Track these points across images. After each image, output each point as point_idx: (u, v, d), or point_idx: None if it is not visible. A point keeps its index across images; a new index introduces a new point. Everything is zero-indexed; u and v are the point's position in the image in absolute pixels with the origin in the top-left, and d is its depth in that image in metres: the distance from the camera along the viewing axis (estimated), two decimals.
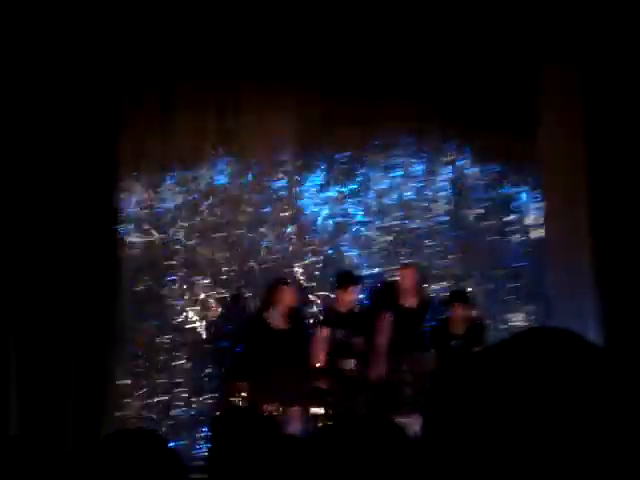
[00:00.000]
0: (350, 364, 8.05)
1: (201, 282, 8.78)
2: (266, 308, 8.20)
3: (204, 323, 8.73)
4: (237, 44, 8.50)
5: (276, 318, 8.13)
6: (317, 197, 9.05)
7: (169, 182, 8.84)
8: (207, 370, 8.67)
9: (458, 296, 8.36)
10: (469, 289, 8.70)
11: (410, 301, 8.32)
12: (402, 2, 8.44)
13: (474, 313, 8.39)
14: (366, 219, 9.07)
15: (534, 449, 1.05)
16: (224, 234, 8.86)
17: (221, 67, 8.65)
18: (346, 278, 8.38)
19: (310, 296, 8.81)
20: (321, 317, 8.46)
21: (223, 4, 8.35)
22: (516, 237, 9.11)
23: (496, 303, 8.99)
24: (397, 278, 8.51)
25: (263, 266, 8.84)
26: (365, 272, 8.86)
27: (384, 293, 8.55)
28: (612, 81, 8.52)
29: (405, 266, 8.58)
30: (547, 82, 8.92)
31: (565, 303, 8.68)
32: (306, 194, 9.04)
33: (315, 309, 8.76)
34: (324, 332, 8.11)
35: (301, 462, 1.95)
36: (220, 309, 8.76)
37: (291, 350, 8.03)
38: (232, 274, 8.82)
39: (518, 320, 8.94)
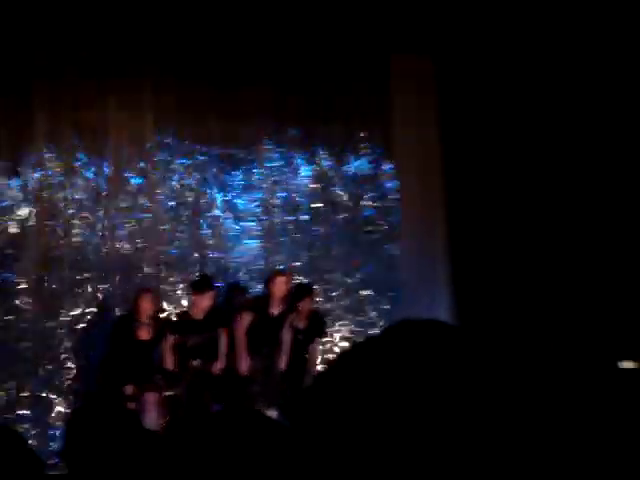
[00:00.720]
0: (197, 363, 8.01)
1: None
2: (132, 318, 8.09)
3: None
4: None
5: (140, 328, 8.04)
6: (175, 191, 8.97)
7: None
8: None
9: (306, 290, 8.47)
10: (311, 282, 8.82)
11: (277, 309, 8.26)
12: None
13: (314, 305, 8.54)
14: (228, 215, 9.04)
15: (415, 433, 1.07)
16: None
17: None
18: (203, 283, 8.27)
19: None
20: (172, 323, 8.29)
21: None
22: (375, 227, 9.25)
23: (350, 293, 9.12)
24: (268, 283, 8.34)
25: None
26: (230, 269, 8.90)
27: (251, 301, 8.47)
28: (464, 68, 8.76)
29: (279, 272, 8.53)
30: (399, 71, 9.07)
31: (419, 291, 8.89)
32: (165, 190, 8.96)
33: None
34: (171, 340, 8.01)
35: (157, 456, 1.93)
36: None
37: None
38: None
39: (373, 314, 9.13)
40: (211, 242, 8.99)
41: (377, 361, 1.13)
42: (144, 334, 8.03)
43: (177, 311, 8.59)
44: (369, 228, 9.23)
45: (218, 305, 8.30)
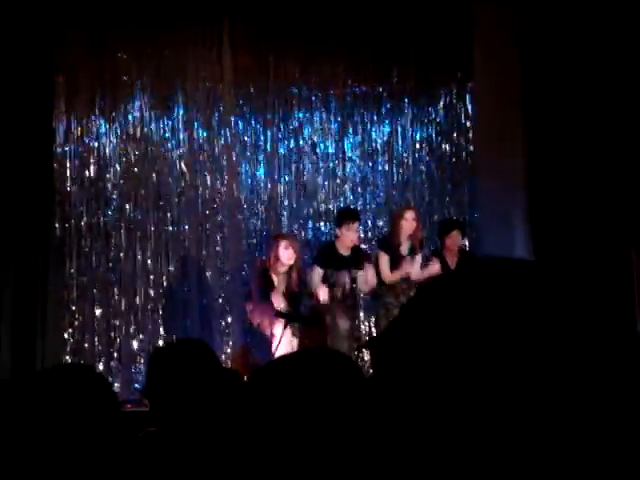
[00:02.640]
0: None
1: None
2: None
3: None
4: None
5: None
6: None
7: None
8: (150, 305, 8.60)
9: (455, 224, 8.33)
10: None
11: (405, 246, 8.01)
12: None
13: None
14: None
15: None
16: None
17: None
18: (349, 214, 7.99)
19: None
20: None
21: None
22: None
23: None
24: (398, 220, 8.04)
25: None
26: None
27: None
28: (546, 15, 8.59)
29: (409, 207, 8.30)
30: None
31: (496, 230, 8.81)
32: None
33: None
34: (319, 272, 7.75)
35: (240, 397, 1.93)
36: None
37: None
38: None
39: None
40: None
41: (459, 299, 1.10)
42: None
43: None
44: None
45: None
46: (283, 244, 7.66)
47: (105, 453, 2.15)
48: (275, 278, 7.66)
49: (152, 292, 8.57)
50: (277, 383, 1.51)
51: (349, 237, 7.76)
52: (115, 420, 2.23)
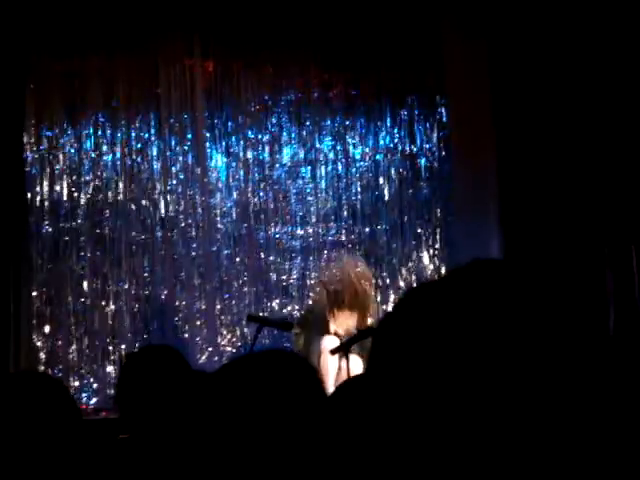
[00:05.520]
0: None
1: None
2: None
3: None
4: None
5: None
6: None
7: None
8: None
9: None
10: None
11: None
12: None
13: None
14: None
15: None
16: None
17: None
18: None
19: None
20: None
21: None
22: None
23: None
24: None
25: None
26: None
27: None
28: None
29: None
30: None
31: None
32: None
33: None
34: None
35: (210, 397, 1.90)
36: None
37: None
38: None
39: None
40: None
41: (450, 302, 1.10)
42: None
43: None
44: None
45: None
46: None
47: (65, 462, 2.12)
48: None
49: (130, 297, 8.53)
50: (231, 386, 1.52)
51: None
52: (74, 428, 2.19)
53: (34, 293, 8.33)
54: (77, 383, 8.27)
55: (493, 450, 1.01)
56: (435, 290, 1.13)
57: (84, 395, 8.19)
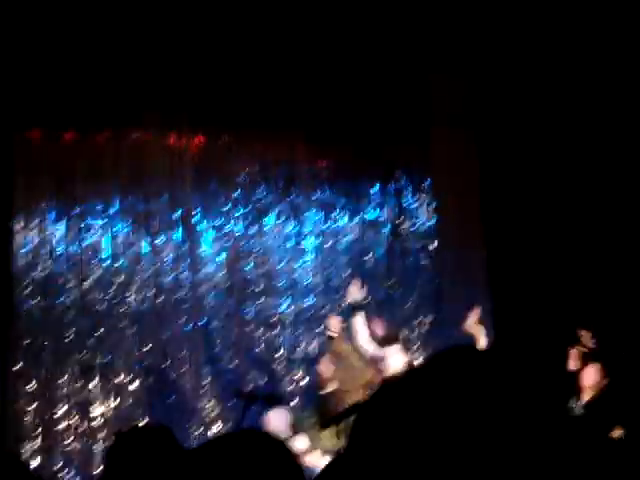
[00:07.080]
0: None
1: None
2: None
3: None
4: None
5: None
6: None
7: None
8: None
9: None
10: None
11: None
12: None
13: None
14: None
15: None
16: None
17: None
18: None
19: None
20: None
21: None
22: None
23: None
24: None
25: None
26: None
27: None
28: (501, 91, 8.74)
29: None
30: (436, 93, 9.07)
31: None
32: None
33: None
34: None
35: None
36: None
37: None
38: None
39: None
40: None
41: (430, 392, 1.18)
42: None
43: None
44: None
45: None
46: None
47: None
48: None
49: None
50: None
51: None
52: None
53: None
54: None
55: None
56: (413, 378, 1.21)
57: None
